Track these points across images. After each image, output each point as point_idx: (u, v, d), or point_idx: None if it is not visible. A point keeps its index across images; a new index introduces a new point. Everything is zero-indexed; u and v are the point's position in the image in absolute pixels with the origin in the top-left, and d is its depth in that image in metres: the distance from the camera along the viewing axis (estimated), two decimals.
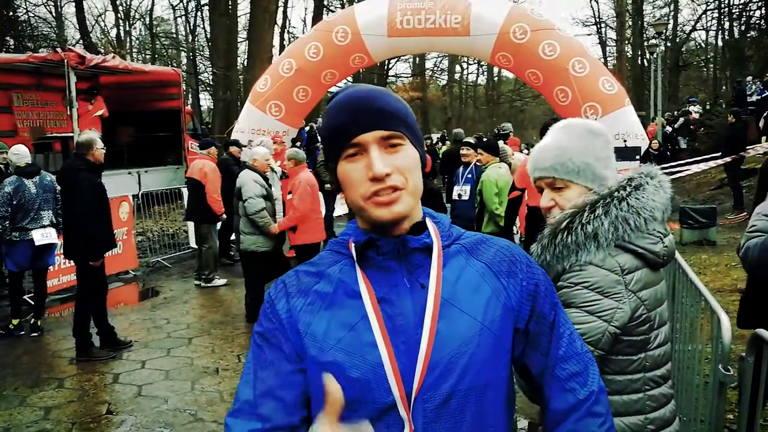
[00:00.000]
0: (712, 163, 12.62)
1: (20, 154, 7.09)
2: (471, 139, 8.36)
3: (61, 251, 6.99)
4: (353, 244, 1.25)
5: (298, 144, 12.38)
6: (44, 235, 6.81)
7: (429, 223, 1.29)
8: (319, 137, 19.49)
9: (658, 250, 1.87)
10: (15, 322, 6.93)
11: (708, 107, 24.50)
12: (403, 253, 1.23)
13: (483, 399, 1.19)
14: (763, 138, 17.04)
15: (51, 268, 7.67)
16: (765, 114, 18.69)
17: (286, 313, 1.25)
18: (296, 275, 1.30)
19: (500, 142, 8.26)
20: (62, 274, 8.57)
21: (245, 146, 10.26)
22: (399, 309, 1.20)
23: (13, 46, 21.98)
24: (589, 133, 1.95)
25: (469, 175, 7.26)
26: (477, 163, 7.33)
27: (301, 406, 1.22)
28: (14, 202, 6.65)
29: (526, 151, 19.52)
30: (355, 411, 1.15)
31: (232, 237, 9.88)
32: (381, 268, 1.23)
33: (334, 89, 12.01)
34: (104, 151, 6.13)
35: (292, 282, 1.29)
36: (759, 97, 19.65)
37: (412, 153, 1.22)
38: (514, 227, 6.89)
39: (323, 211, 7.32)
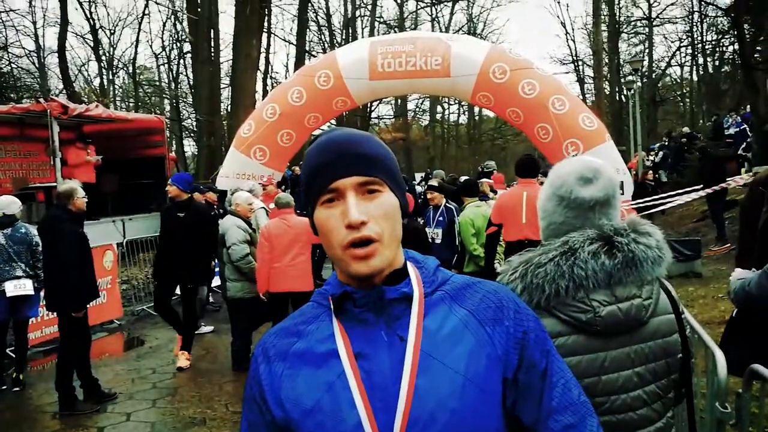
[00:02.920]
0: (694, 195, 12.77)
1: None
2: (434, 182, 8.30)
3: (44, 303, 6.86)
4: (331, 297, 1.22)
5: (283, 188, 12.38)
6: (17, 287, 6.64)
7: (411, 268, 1.23)
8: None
9: (585, 320, 1.74)
10: None
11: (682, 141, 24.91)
12: (380, 304, 1.17)
13: None
14: (743, 169, 17.36)
15: (33, 320, 7.51)
16: (743, 146, 19.08)
17: (268, 377, 1.22)
18: (276, 336, 1.27)
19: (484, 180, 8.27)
20: (44, 325, 8.40)
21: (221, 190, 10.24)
22: (376, 364, 1.15)
23: None
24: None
25: (440, 218, 7.23)
26: (447, 205, 7.33)
27: None
28: None
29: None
30: None
31: (213, 284, 9.80)
32: (359, 320, 1.18)
33: (317, 132, 12.11)
34: (86, 200, 6.08)
35: (272, 344, 1.26)
36: (737, 130, 20.05)
37: (390, 200, 1.18)
38: (496, 263, 6.58)
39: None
